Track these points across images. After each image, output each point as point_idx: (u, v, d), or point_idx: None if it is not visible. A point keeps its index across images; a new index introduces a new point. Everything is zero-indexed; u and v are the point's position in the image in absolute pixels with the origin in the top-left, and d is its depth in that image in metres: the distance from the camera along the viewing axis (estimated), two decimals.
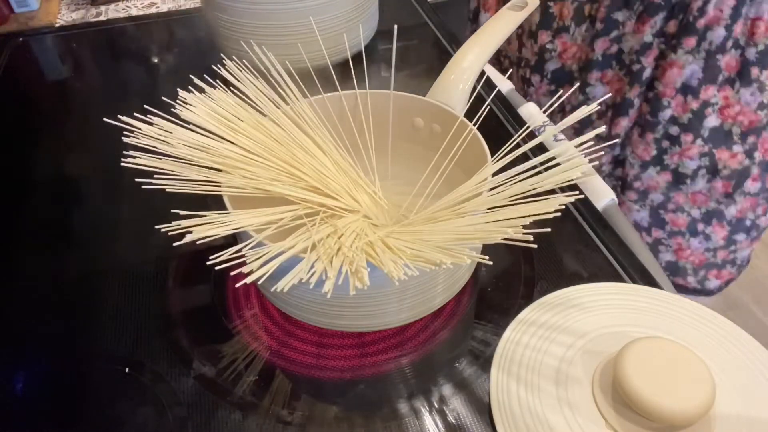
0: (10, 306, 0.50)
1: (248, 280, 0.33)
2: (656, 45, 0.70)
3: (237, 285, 0.33)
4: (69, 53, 0.88)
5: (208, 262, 0.34)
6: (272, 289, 0.34)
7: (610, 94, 0.77)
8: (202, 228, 0.36)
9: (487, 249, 0.41)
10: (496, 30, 0.57)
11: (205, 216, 0.37)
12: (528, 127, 0.44)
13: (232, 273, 0.34)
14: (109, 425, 0.41)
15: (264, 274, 0.34)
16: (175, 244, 0.35)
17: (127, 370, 0.44)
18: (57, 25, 0.90)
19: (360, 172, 0.48)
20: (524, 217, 0.36)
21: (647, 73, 0.72)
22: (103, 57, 0.87)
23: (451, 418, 0.41)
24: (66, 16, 0.92)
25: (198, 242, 0.35)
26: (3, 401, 0.43)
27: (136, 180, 0.38)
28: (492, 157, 0.44)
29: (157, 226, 0.36)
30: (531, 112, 0.69)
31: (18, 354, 0.47)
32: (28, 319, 0.49)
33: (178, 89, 0.44)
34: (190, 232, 0.35)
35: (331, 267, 0.35)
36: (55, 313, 0.50)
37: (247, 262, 0.34)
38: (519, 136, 0.43)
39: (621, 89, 0.76)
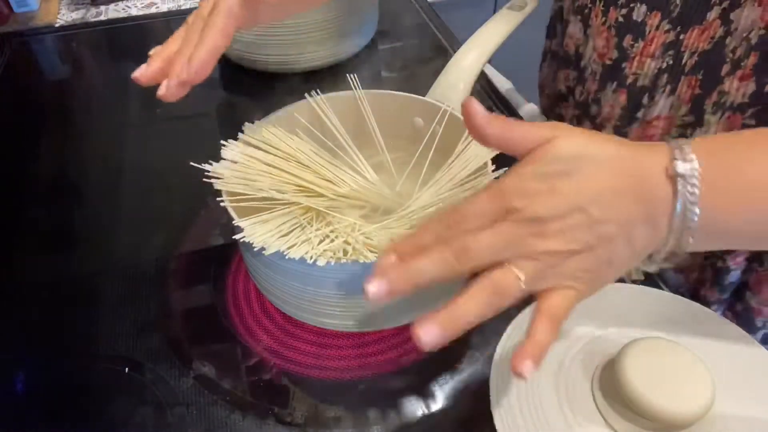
0: (10, 306, 0.50)
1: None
2: None
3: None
4: (69, 53, 0.88)
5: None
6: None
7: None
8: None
9: None
10: (495, 30, 0.57)
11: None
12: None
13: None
14: (109, 425, 0.41)
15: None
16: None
17: (126, 370, 0.44)
18: (57, 25, 0.90)
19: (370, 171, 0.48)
20: None
21: None
22: (103, 57, 0.87)
23: (451, 417, 0.41)
24: (66, 16, 0.91)
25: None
26: (3, 401, 0.43)
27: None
28: (492, 156, 0.44)
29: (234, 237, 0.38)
30: (531, 111, 0.69)
31: (18, 354, 0.47)
32: (28, 319, 0.49)
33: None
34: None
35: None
36: (55, 313, 0.50)
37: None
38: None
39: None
